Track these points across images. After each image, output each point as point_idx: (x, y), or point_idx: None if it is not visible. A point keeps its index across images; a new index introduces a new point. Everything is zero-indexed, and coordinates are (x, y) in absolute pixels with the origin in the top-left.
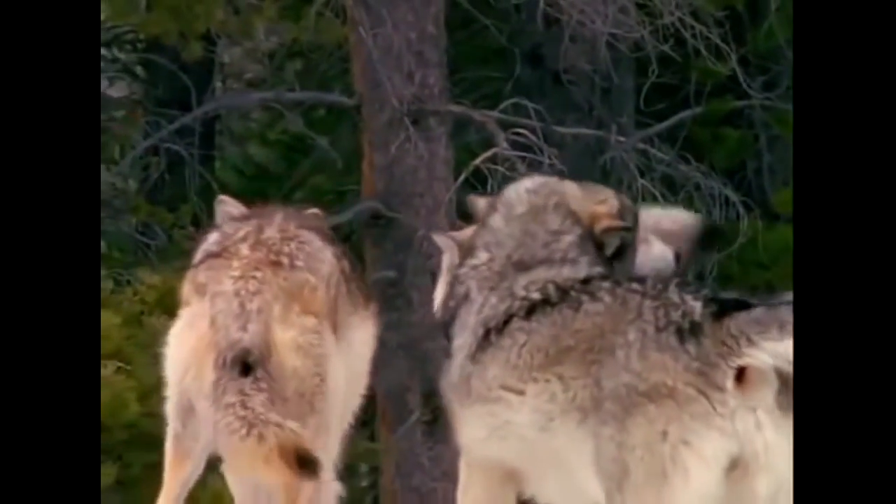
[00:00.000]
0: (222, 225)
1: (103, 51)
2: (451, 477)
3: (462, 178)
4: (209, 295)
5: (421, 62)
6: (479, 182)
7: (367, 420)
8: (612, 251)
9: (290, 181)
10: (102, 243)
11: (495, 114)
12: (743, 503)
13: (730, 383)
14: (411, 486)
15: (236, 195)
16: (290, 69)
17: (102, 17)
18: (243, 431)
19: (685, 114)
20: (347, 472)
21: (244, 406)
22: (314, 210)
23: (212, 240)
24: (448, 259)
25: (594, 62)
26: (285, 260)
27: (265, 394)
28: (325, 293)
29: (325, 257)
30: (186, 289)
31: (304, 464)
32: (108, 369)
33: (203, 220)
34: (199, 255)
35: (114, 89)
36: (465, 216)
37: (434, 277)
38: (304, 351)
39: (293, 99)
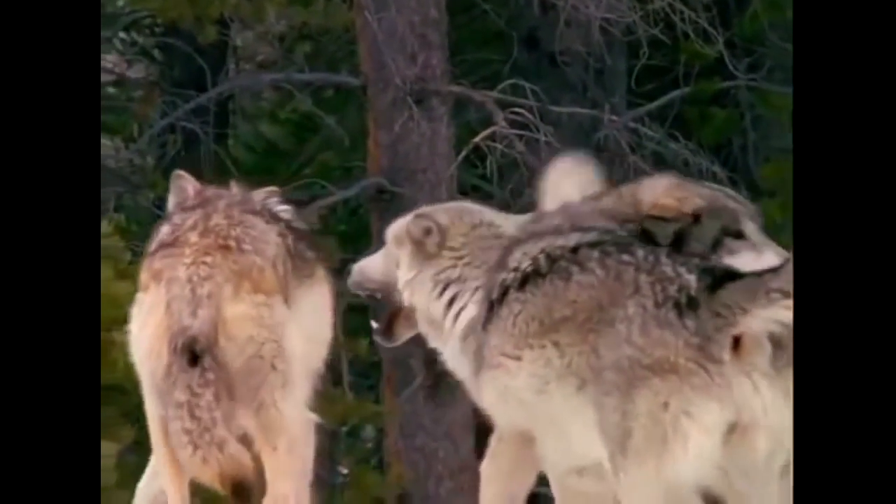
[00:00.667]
0: (172, 216)
1: (123, 34)
2: (451, 437)
3: (462, 154)
4: (164, 281)
5: (424, 45)
6: (478, 159)
7: (372, 384)
8: (668, 240)
9: (300, 158)
10: (122, 217)
11: (494, 94)
12: (743, 462)
13: (727, 355)
14: (415, 447)
15: (249, 171)
16: (300, 51)
17: (122, 2)
18: (190, 449)
19: (674, 94)
20: (354, 434)
21: (192, 415)
22: (271, 188)
23: (164, 231)
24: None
25: (588, 45)
26: (233, 244)
27: (212, 388)
28: (273, 272)
29: (271, 238)
30: (144, 276)
31: (241, 491)
32: (127, 336)
33: None
34: (153, 245)
35: (132, 71)
36: (464, 191)
37: None
38: (257, 321)
39: (302, 80)
